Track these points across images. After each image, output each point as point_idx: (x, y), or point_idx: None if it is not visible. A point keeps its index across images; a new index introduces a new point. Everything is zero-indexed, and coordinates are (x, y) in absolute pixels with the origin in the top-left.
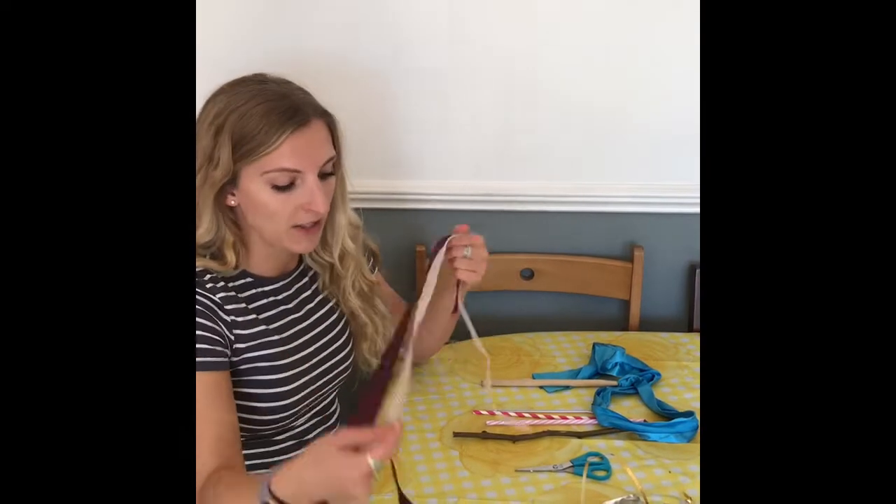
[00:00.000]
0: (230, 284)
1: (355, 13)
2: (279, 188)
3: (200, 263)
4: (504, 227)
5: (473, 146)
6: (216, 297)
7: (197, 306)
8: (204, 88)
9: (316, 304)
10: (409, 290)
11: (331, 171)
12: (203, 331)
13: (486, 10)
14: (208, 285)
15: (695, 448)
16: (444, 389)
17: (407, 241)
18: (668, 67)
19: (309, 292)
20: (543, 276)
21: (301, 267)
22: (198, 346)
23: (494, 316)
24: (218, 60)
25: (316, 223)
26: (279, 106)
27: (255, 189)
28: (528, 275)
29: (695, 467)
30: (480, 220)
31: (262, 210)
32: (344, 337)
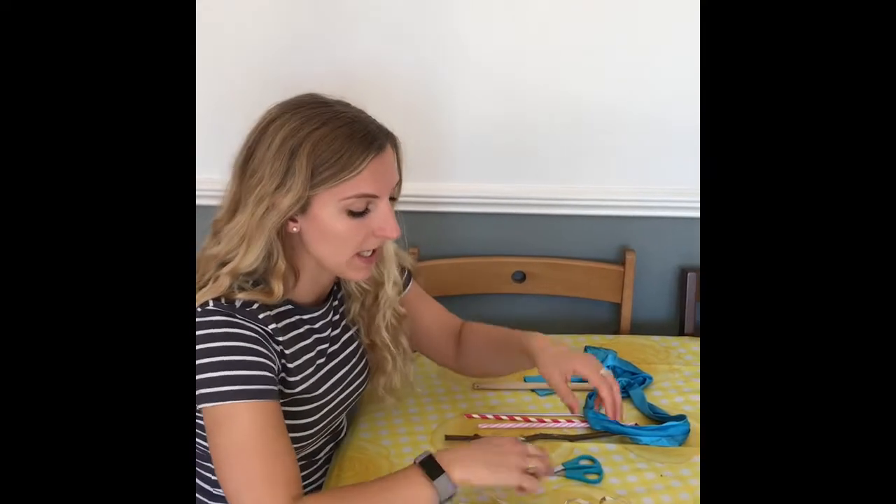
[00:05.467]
0: (273, 313)
1: (353, 15)
2: (354, 214)
3: (248, 295)
4: (496, 230)
5: (464, 149)
6: (268, 329)
7: (253, 334)
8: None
9: (340, 331)
10: None
11: (394, 196)
12: (262, 357)
13: (480, 11)
14: (260, 316)
15: (686, 451)
16: (436, 392)
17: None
18: (662, 74)
19: (337, 317)
20: (535, 278)
21: (332, 293)
22: (259, 373)
23: (486, 318)
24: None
25: (375, 251)
26: (357, 131)
27: (327, 216)
28: (520, 277)
29: (686, 471)
30: (472, 223)
31: (331, 237)
32: (361, 364)
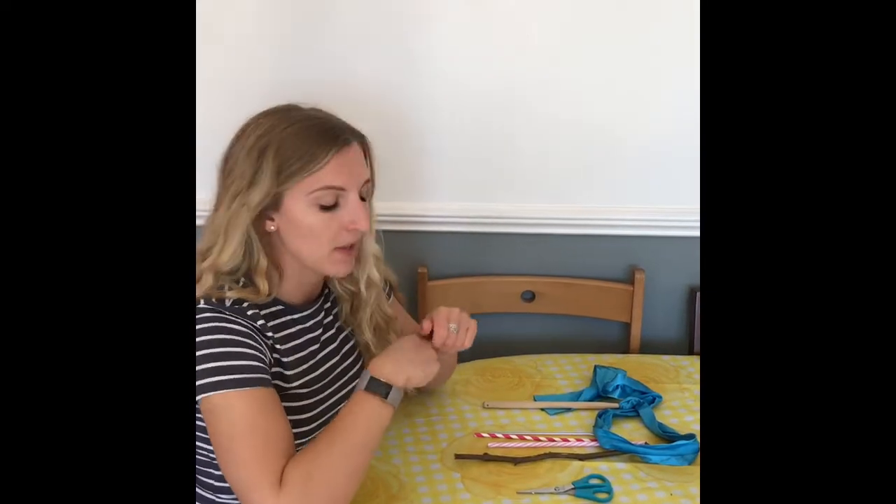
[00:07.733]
0: (263, 312)
1: (357, 35)
2: (325, 208)
3: (236, 294)
4: (505, 250)
5: (475, 168)
6: (256, 325)
7: (242, 328)
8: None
9: (335, 332)
10: (410, 311)
11: (364, 196)
12: (252, 350)
13: (487, 33)
14: (249, 312)
15: (696, 470)
16: (446, 411)
17: (408, 264)
18: (670, 91)
19: (329, 319)
20: (545, 298)
21: (324, 294)
22: (250, 363)
23: (496, 338)
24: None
25: (353, 245)
26: (322, 127)
27: (300, 210)
28: (530, 297)
29: (696, 489)
30: (481, 242)
31: (305, 232)
32: (358, 365)
